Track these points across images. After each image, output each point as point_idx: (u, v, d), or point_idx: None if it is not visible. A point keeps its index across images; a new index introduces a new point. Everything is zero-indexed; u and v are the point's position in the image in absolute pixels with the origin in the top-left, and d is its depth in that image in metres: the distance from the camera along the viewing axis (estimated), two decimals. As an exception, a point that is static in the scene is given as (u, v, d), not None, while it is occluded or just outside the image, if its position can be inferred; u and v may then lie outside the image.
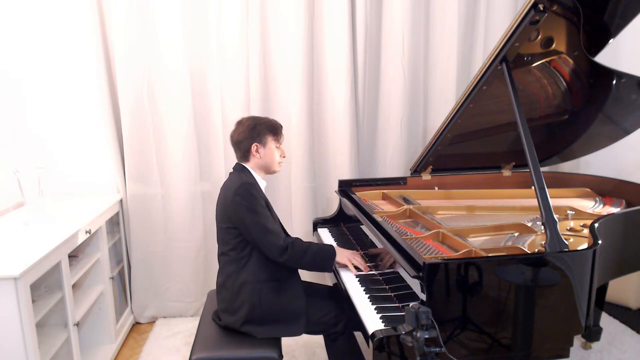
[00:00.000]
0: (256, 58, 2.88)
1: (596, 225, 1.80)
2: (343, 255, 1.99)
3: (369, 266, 2.00)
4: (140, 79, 2.81)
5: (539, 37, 2.01)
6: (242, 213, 1.88)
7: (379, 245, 2.01)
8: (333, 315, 1.96)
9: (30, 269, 1.82)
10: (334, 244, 2.37)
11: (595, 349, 2.59)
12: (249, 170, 2.03)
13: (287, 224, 3.07)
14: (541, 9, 1.74)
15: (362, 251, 2.18)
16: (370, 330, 1.53)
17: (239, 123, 2.06)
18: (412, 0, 2.92)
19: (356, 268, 1.98)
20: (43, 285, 2.12)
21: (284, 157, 2.09)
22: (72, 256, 2.43)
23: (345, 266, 1.99)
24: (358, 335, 1.73)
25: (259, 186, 2.01)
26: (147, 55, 2.79)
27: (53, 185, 2.79)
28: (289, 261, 1.90)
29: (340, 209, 2.62)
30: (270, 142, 2.03)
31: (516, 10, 2.88)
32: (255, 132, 2.00)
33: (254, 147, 2.01)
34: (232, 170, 2.08)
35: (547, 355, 1.61)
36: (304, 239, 2.93)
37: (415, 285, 1.66)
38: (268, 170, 2.07)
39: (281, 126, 2.08)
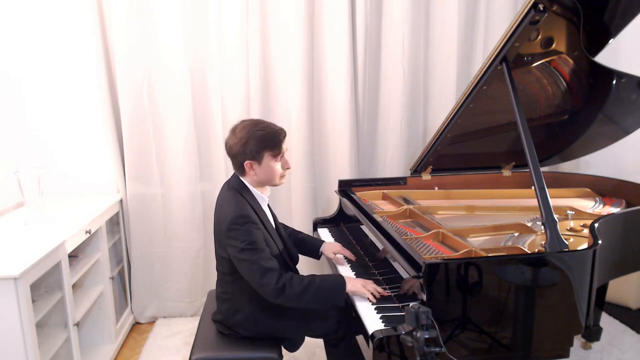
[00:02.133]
0: (256, 58, 2.88)
1: (596, 225, 1.80)
2: (356, 283, 1.76)
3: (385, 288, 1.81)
4: (140, 79, 2.81)
5: (539, 37, 2.01)
6: (235, 251, 1.73)
7: (379, 245, 2.01)
8: (335, 321, 1.91)
9: (30, 269, 1.82)
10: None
11: (595, 349, 2.59)
12: (247, 188, 1.86)
13: (287, 224, 3.02)
14: (541, 9, 1.74)
15: (376, 270, 2.06)
16: (370, 331, 1.53)
17: (233, 131, 1.83)
18: (412, 0, 2.92)
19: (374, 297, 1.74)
20: (43, 285, 2.12)
21: (288, 168, 1.88)
22: (72, 256, 2.42)
23: (360, 294, 1.75)
24: (358, 337, 1.73)
25: (258, 208, 1.84)
26: (147, 55, 2.79)
27: (53, 185, 2.79)
28: (287, 302, 1.71)
29: (340, 209, 2.62)
30: (268, 158, 1.79)
31: (516, 10, 2.88)
32: (247, 148, 1.77)
33: (247, 164, 1.80)
34: (230, 179, 1.92)
35: (547, 355, 1.62)
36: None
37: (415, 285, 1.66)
38: (268, 185, 1.91)
39: (283, 135, 1.83)
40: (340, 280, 1.75)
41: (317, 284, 1.73)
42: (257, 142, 1.78)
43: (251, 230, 1.74)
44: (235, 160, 1.84)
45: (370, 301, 1.71)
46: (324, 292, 1.74)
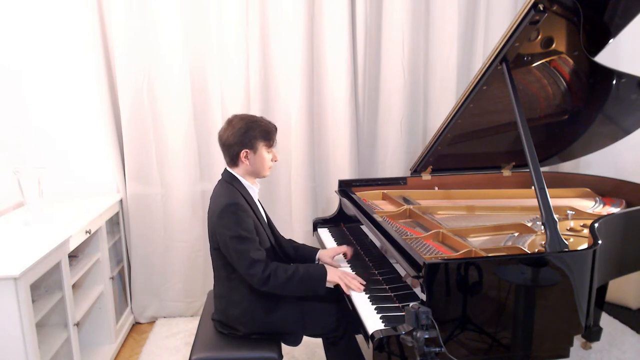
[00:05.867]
0: (256, 58, 2.87)
1: (596, 225, 1.79)
2: (335, 274, 1.87)
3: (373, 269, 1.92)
4: (140, 78, 2.81)
5: (539, 37, 2.01)
6: (226, 239, 1.79)
7: (379, 246, 2.01)
8: (334, 319, 1.93)
9: (30, 269, 1.82)
10: (334, 244, 2.37)
11: (595, 349, 2.59)
12: (238, 180, 1.92)
13: (287, 223, 3.07)
14: (541, 9, 1.74)
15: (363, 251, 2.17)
16: (370, 331, 1.53)
17: (229, 123, 1.91)
18: (412, 0, 2.92)
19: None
20: (43, 285, 2.12)
21: (275, 161, 1.97)
22: (72, 256, 2.42)
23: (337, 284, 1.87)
24: (358, 336, 1.73)
25: (250, 198, 1.91)
26: (146, 53, 2.79)
27: (53, 185, 2.79)
28: (272, 290, 1.80)
29: (340, 209, 2.62)
30: (262, 148, 1.89)
31: (516, 10, 2.88)
32: (246, 137, 1.86)
33: (243, 153, 1.88)
34: (221, 176, 1.98)
35: (547, 355, 1.62)
36: (304, 239, 2.97)
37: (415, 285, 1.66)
38: (257, 176, 1.97)
39: (275, 129, 1.95)
40: (322, 272, 1.86)
41: (301, 274, 1.82)
42: (255, 132, 1.88)
43: (242, 219, 1.80)
44: (230, 150, 1.90)
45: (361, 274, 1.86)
46: (307, 282, 1.83)
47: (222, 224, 1.80)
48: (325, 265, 1.93)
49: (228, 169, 1.96)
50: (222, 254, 1.87)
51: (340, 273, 1.88)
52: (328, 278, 1.85)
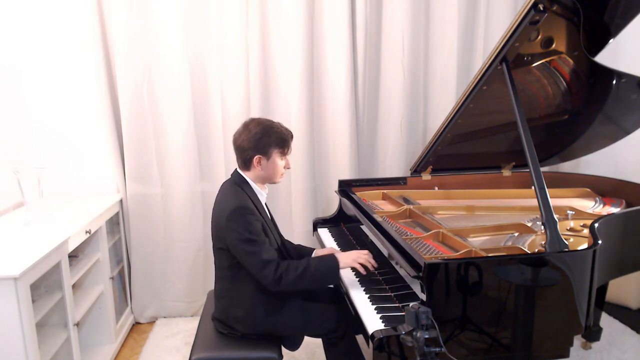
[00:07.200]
0: (256, 59, 2.87)
1: (596, 225, 1.79)
2: (347, 259, 1.86)
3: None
4: (140, 78, 2.81)
5: (539, 37, 2.01)
6: (236, 241, 1.77)
7: (379, 245, 2.01)
8: (334, 320, 1.93)
9: (30, 269, 1.82)
10: (334, 244, 2.37)
11: (595, 349, 2.59)
12: (247, 183, 1.91)
13: (287, 224, 3.07)
14: (541, 9, 1.74)
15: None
16: (370, 331, 1.53)
17: (246, 126, 1.89)
18: (412, 0, 2.92)
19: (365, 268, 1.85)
20: (43, 285, 2.12)
21: (288, 168, 1.96)
22: (72, 256, 2.42)
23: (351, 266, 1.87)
24: (358, 337, 1.73)
25: (258, 202, 1.90)
26: (146, 53, 2.79)
27: (53, 185, 2.79)
28: (285, 289, 1.79)
29: (340, 209, 2.62)
30: (276, 155, 1.88)
31: (516, 10, 2.88)
32: (261, 143, 1.85)
33: (256, 159, 1.86)
34: (230, 176, 1.97)
35: (547, 355, 1.62)
36: (304, 239, 2.97)
37: (415, 285, 1.66)
38: (268, 181, 1.96)
39: (292, 136, 1.93)
40: (334, 263, 1.83)
41: (312, 269, 1.80)
42: (271, 139, 1.86)
43: (251, 222, 1.79)
44: (243, 153, 1.89)
45: (361, 274, 1.86)
46: (319, 275, 1.82)
47: (230, 226, 1.78)
48: (336, 254, 1.90)
49: (239, 171, 1.95)
50: (227, 254, 1.86)
51: (354, 255, 1.86)
52: (341, 265, 1.84)
